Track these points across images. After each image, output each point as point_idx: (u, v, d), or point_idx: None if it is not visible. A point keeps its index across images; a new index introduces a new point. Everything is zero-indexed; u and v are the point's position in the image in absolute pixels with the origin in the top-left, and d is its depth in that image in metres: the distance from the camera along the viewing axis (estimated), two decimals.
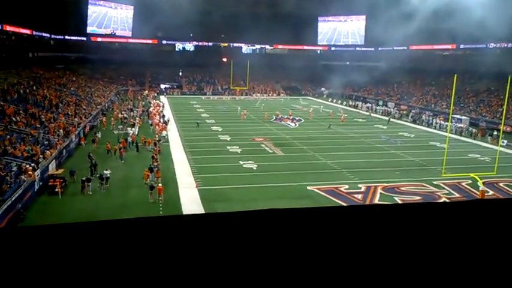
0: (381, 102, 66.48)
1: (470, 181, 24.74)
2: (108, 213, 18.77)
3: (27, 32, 57.78)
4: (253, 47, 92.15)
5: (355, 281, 1.35)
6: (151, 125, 40.61)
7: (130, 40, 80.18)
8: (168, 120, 44.10)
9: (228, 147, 33.23)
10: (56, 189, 21.34)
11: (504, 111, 37.81)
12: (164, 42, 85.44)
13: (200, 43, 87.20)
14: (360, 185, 24.02)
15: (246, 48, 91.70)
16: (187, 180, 24.38)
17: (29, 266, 1.35)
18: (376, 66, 72.73)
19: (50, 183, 22.07)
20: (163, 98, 67.00)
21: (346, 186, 23.78)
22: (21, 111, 31.80)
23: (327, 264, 1.42)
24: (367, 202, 21.79)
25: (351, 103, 67.62)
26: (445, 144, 27.98)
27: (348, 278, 1.36)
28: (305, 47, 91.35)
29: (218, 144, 34.45)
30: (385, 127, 46.36)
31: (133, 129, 38.00)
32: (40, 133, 28.63)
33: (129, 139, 32.70)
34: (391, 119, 51.45)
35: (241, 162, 28.58)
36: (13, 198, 18.20)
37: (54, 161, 25.26)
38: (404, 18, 58.48)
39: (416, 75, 70.85)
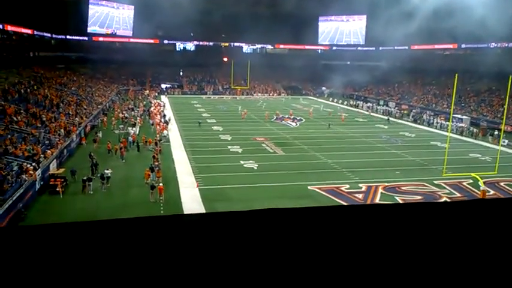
0: (381, 102, 66.43)
1: (471, 181, 24.73)
2: (109, 213, 18.79)
3: (28, 31, 57.83)
4: (254, 47, 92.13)
5: (356, 280, 1.35)
6: (152, 124, 40.62)
7: (131, 40, 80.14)
8: (169, 120, 44.12)
9: (229, 147, 33.24)
10: (57, 189, 21.36)
11: (505, 111, 37.74)
12: (166, 42, 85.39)
13: (201, 43, 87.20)
14: (360, 185, 24.01)
15: (246, 48, 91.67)
16: (188, 179, 24.39)
17: (30, 266, 1.35)
18: (376, 66, 72.68)
19: (51, 183, 22.10)
20: (164, 98, 67.02)
21: (347, 186, 23.78)
22: (22, 111, 31.83)
23: (328, 263, 1.42)
24: (368, 202, 21.80)
25: (351, 103, 67.61)
26: (446, 144, 27.96)
27: (349, 278, 1.36)
28: (306, 47, 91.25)
29: (219, 144, 34.46)
30: (386, 127, 46.34)
31: (134, 128, 38.02)
32: (41, 133, 28.66)
33: (130, 139, 32.72)
34: (390, 118, 51.46)
35: (242, 162, 28.59)
36: (14, 198, 18.22)
37: (55, 160, 25.28)
38: (406, 17, 58.43)
39: (417, 74, 70.80)
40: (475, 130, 42.63)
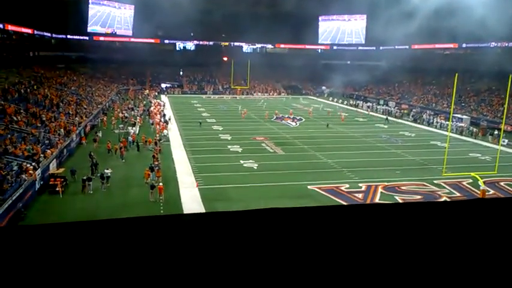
0: (381, 102, 66.43)
1: (471, 180, 24.73)
2: (108, 213, 18.79)
3: (29, 31, 57.80)
4: (254, 46, 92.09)
5: (356, 280, 1.35)
6: (152, 124, 40.61)
7: (132, 39, 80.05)
8: (170, 119, 44.12)
9: (229, 147, 33.24)
10: (57, 189, 21.36)
11: (505, 111, 37.74)
12: (167, 41, 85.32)
13: (201, 42, 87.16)
14: (360, 184, 24.02)
15: (246, 48, 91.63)
16: (188, 179, 24.39)
17: (29, 265, 1.35)
18: (377, 66, 72.67)
19: (50, 183, 22.11)
20: (164, 97, 67.00)
21: (347, 186, 23.79)
22: (22, 111, 31.83)
23: (328, 263, 1.42)
24: (368, 201, 21.81)
25: (351, 102, 67.61)
26: (445, 144, 27.96)
27: (349, 278, 1.36)
28: (307, 47, 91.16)
29: (219, 144, 34.46)
30: (385, 126, 46.35)
31: (134, 128, 38.01)
32: (41, 132, 28.66)
33: (130, 138, 32.72)
34: (389, 118, 51.53)
35: (241, 162, 28.59)
36: (14, 198, 18.23)
37: (55, 160, 25.29)
38: (406, 17, 58.41)
39: (417, 74, 70.80)
40: (475, 130, 42.63)
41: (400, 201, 21.22)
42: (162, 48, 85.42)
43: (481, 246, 1.54)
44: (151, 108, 49.46)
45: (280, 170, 26.63)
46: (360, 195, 22.42)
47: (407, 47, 72.38)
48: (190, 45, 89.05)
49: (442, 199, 22.09)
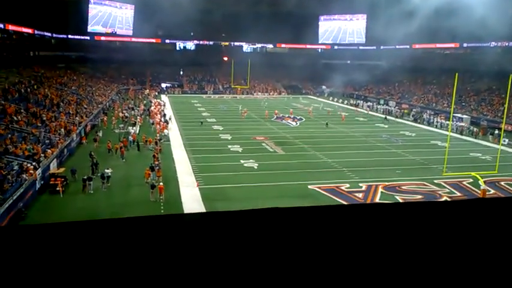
0: (382, 101, 66.42)
1: (471, 180, 24.73)
2: (109, 212, 18.81)
3: (29, 31, 57.79)
4: (254, 46, 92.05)
5: (357, 280, 1.35)
6: (153, 124, 40.62)
7: (133, 39, 79.99)
8: (170, 119, 44.13)
9: (229, 146, 33.25)
10: (57, 188, 21.37)
11: (505, 110, 37.73)
12: (168, 41, 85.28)
13: (201, 42, 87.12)
14: (361, 184, 24.02)
15: (246, 47, 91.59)
16: (188, 179, 24.39)
17: (30, 265, 1.35)
18: (377, 65, 72.66)
19: (51, 182, 22.12)
20: (164, 97, 66.98)
21: (347, 185, 23.79)
22: (22, 110, 31.84)
23: (328, 263, 1.42)
24: (368, 201, 21.81)
25: (352, 102, 67.60)
26: (446, 143, 27.95)
27: (350, 277, 1.36)
28: (308, 46, 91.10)
29: (219, 143, 34.47)
30: (386, 126, 46.35)
31: (134, 128, 38.02)
32: (41, 132, 28.67)
33: (130, 138, 32.72)
34: (389, 117, 51.55)
35: (242, 161, 28.59)
36: (14, 197, 18.24)
37: (55, 160, 25.29)
38: (407, 16, 58.39)
39: (418, 74, 70.76)
40: (475, 129, 42.62)
41: (401, 200, 21.22)
42: (162, 48, 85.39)
43: (481, 246, 1.54)
44: (152, 108, 49.46)
45: (280, 170, 26.63)
46: (360, 195, 22.42)
47: (408, 46, 72.28)
48: (191, 44, 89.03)
49: (443, 199, 22.09)
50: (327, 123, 44.25)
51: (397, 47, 73.41)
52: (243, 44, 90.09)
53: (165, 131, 37.20)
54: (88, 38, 76.14)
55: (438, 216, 1.81)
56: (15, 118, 29.14)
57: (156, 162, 25.87)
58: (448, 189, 23.63)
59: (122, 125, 38.81)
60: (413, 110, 56.90)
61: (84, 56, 76.08)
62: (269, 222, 1.68)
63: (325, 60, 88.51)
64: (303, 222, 1.70)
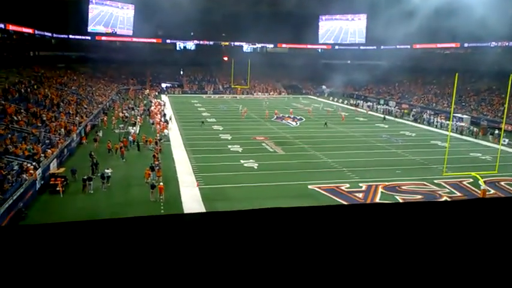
0: (382, 101, 66.43)
1: (471, 180, 24.73)
2: (109, 212, 18.82)
3: (29, 31, 57.80)
4: (254, 46, 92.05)
5: (357, 280, 1.35)
6: (153, 124, 40.62)
7: (134, 39, 79.94)
8: (171, 119, 44.14)
9: (229, 146, 33.25)
10: (58, 188, 21.37)
11: (505, 110, 37.73)
12: (168, 41, 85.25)
13: (201, 42, 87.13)
14: (361, 184, 24.02)
15: (247, 47, 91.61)
16: (188, 179, 24.39)
17: (30, 265, 1.35)
18: (377, 65, 72.64)
19: (51, 182, 22.12)
20: (164, 97, 66.98)
21: (347, 185, 23.78)
22: (22, 110, 31.84)
23: (328, 263, 1.42)
24: (368, 201, 21.81)
25: (352, 102, 67.61)
26: (446, 143, 27.96)
27: (350, 277, 1.36)
28: (309, 46, 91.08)
29: (219, 143, 34.47)
30: (386, 126, 46.36)
31: (134, 128, 38.02)
32: (41, 132, 28.67)
33: (130, 138, 32.73)
34: (389, 117, 51.55)
35: (242, 161, 28.59)
36: (15, 197, 18.24)
37: (55, 160, 25.29)
38: (407, 16, 58.38)
39: (418, 74, 70.77)
40: (475, 129, 42.62)
41: (401, 200, 21.23)
42: (162, 47, 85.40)
43: (481, 246, 1.54)
44: (152, 108, 49.46)
45: (280, 170, 26.63)
46: (361, 195, 22.42)
47: (408, 46, 72.27)
48: (191, 44, 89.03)
49: (443, 199, 22.09)
50: (325, 123, 44.28)
51: (397, 47, 73.38)
52: (243, 44, 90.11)
53: (165, 131, 37.19)
54: (89, 38, 76.18)
55: (438, 216, 1.81)
56: (15, 118, 29.14)
57: (156, 162, 25.87)
58: (448, 189, 23.63)
59: (122, 125, 38.82)
60: (414, 110, 56.89)
61: (85, 56, 76.11)
62: (269, 222, 1.68)
63: (325, 60, 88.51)
64: (303, 222, 1.70)
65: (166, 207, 19.92)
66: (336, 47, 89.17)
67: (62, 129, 30.85)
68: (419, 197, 22.34)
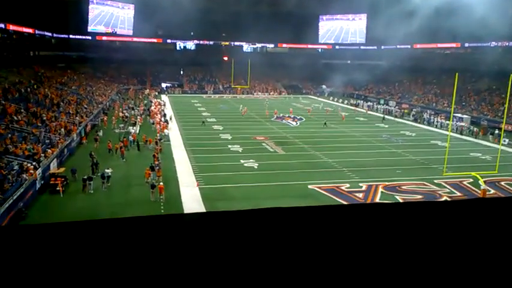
0: (382, 101, 66.43)
1: (471, 180, 24.72)
2: (109, 212, 18.82)
3: (30, 31, 57.79)
4: (254, 46, 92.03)
5: (357, 279, 1.35)
6: (153, 123, 40.63)
7: (135, 39, 79.88)
8: (171, 119, 44.14)
9: (229, 146, 33.24)
10: (58, 188, 21.37)
11: (506, 110, 37.72)
12: (168, 41, 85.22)
13: (201, 42, 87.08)
14: (361, 184, 24.01)
15: (247, 47, 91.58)
16: (189, 179, 24.39)
17: (30, 265, 1.35)
18: (377, 65, 72.62)
19: (51, 182, 22.12)
20: (164, 97, 66.97)
21: (348, 185, 23.78)
22: (22, 110, 31.83)
23: (329, 263, 1.42)
24: (368, 201, 21.81)
25: (352, 102, 67.62)
26: (446, 143, 27.95)
27: (350, 277, 1.36)
28: (309, 46, 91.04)
29: (219, 143, 34.46)
30: (386, 126, 46.36)
31: (134, 128, 38.02)
32: (41, 132, 28.67)
33: (131, 138, 32.74)
34: (388, 117, 51.55)
35: (242, 161, 28.59)
36: (15, 197, 18.24)
37: (55, 159, 25.29)
38: (408, 16, 58.36)
39: (418, 73, 70.75)
40: (475, 129, 42.62)
41: (401, 200, 21.23)
42: (162, 47, 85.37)
43: (481, 245, 1.54)
44: (152, 108, 49.45)
45: (280, 170, 26.63)
46: (361, 195, 22.41)
47: (409, 46, 72.21)
48: (191, 44, 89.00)
49: (443, 199, 22.08)
50: (325, 123, 44.29)
51: (398, 46, 73.33)
52: (243, 43, 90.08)
53: (165, 130, 37.19)
54: (90, 38, 76.16)
55: (438, 216, 1.81)
56: (15, 118, 29.15)
57: (156, 162, 25.87)
58: (448, 189, 23.62)
59: (122, 125, 38.83)
60: (414, 109, 56.89)
61: (85, 55, 76.07)
62: (269, 222, 1.68)
63: (326, 60, 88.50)
64: (303, 222, 1.70)
65: (167, 207, 19.92)
66: (337, 47, 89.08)
67: (62, 129, 30.85)
68: (420, 197, 22.33)
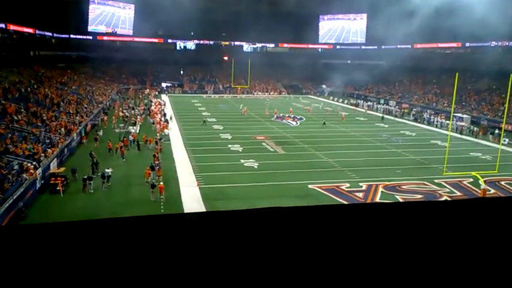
0: (382, 101, 66.42)
1: (471, 179, 24.72)
2: (109, 212, 18.82)
3: (30, 31, 57.77)
4: (255, 46, 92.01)
5: (357, 279, 1.35)
6: (153, 123, 40.63)
7: (136, 39, 79.85)
8: (171, 118, 44.14)
9: (229, 146, 33.24)
10: (58, 188, 21.37)
11: (506, 110, 37.70)
12: (169, 41, 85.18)
13: (201, 41, 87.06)
14: (361, 184, 24.01)
15: (247, 47, 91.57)
16: (189, 178, 24.39)
17: (30, 264, 1.35)
18: (377, 65, 72.58)
19: (51, 182, 22.12)
20: (164, 97, 66.96)
21: (348, 185, 23.78)
22: (22, 110, 31.83)
23: (329, 262, 1.42)
24: (369, 200, 21.81)
25: (352, 101, 67.62)
26: (446, 143, 27.95)
27: (350, 277, 1.36)
28: (310, 46, 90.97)
29: (219, 143, 34.47)
30: (386, 125, 46.37)
31: (134, 127, 38.02)
32: (41, 132, 28.67)
33: (131, 137, 32.74)
34: (388, 117, 51.55)
35: (242, 161, 28.59)
36: (15, 197, 18.24)
37: (55, 159, 25.29)
38: (408, 16, 58.34)
39: (418, 73, 70.73)
40: (475, 129, 42.62)
41: (401, 200, 21.23)
42: (162, 47, 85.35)
43: (481, 245, 1.54)
44: (152, 108, 49.46)
45: (280, 169, 26.62)
46: (361, 195, 22.41)
47: (409, 46, 72.15)
48: (191, 44, 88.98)
49: (443, 198, 22.09)
50: (324, 123, 44.31)
51: (398, 46, 73.25)
52: (243, 43, 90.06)
53: (166, 130, 37.20)
54: (90, 38, 76.16)
55: (438, 215, 1.81)
56: (15, 118, 29.15)
57: (157, 162, 25.87)
58: (449, 188, 23.62)
59: (122, 125, 38.83)
60: (414, 109, 56.88)
61: (85, 55, 76.04)
62: (269, 222, 1.68)
63: (326, 60, 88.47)
64: (303, 221, 1.70)
65: (167, 207, 19.92)
66: (338, 46, 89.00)
67: (62, 129, 30.85)
68: (420, 196, 22.33)
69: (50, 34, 67.53)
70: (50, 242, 1.48)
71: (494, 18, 46.98)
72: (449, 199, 21.17)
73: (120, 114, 44.73)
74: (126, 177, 24.35)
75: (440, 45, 70.27)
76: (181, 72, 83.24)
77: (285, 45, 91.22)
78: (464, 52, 68.42)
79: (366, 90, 75.63)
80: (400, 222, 1.72)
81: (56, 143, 27.56)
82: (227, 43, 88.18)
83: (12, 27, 51.12)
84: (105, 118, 42.69)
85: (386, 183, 24.10)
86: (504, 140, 33.58)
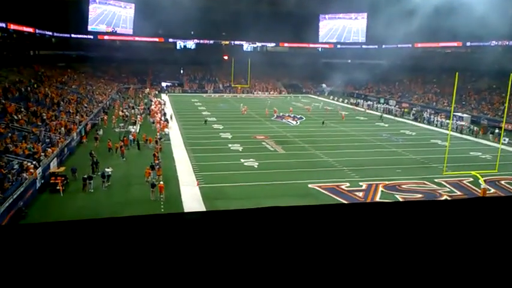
0: (382, 100, 66.40)
1: (471, 179, 24.72)
2: (109, 211, 18.82)
3: (30, 30, 57.74)
4: (255, 45, 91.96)
5: (357, 279, 1.35)
6: (153, 123, 40.63)
7: (136, 38, 79.79)
8: (171, 118, 44.14)
9: (229, 145, 33.24)
10: (58, 187, 21.37)
11: (506, 109, 37.70)
12: (169, 40, 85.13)
13: (201, 41, 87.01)
14: (361, 183, 24.01)
15: (247, 46, 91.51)
16: (189, 178, 24.39)
17: (30, 264, 1.35)
18: (377, 64, 72.53)
19: (51, 181, 22.12)
20: (164, 96, 66.94)
21: (348, 184, 23.78)
22: (22, 109, 31.83)
23: (329, 262, 1.42)
24: (369, 200, 21.79)
25: (352, 101, 67.62)
26: (446, 142, 27.95)
27: (350, 276, 1.36)
28: (311, 45, 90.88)
29: (219, 142, 34.46)
30: (386, 125, 46.36)
31: (134, 127, 38.02)
32: (41, 131, 28.67)
33: (131, 137, 32.74)
34: (388, 116, 51.56)
35: (242, 160, 28.59)
36: (15, 196, 18.25)
37: (55, 159, 25.30)
38: (409, 15, 58.31)
39: (418, 73, 70.68)
40: (475, 128, 42.61)
41: (401, 199, 21.22)
42: (162, 46, 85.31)
43: (481, 245, 1.54)
44: (152, 107, 49.45)
45: (280, 169, 26.63)
46: (361, 194, 22.41)
47: (410, 45, 72.08)
48: (191, 43, 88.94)
49: (443, 198, 22.08)
50: (323, 122, 44.31)
51: (398, 46, 73.16)
52: (244, 43, 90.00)
53: (166, 130, 37.20)
54: (91, 37, 76.12)
55: (438, 215, 1.81)
56: (15, 117, 29.15)
57: (157, 161, 25.87)
58: (449, 188, 23.62)
59: (122, 124, 38.82)
60: (414, 109, 56.87)
61: (85, 54, 75.96)
62: (269, 221, 1.68)
63: (326, 60, 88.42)
64: (303, 221, 1.70)
65: (167, 206, 19.93)
66: (338, 46, 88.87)
67: (62, 128, 30.85)
68: (420, 196, 22.33)
69: (50, 33, 67.46)
70: (50, 242, 1.48)
71: (495, 17, 46.96)
72: (449, 198, 21.18)
73: (120, 113, 44.72)
74: (126, 176, 24.36)
75: (440, 44, 70.20)
76: (182, 71, 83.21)
77: (285, 44, 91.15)
78: (464, 51, 68.36)
79: (366, 90, 75.60)
80: (400, 222, 1.72)
81: (56, 142, 27.56)
82: (227, 42, 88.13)
83: (12, 26, 51.09)
84: (105, 117, 42.69)
85: (386, 182, 24.10)
86: (504, 140, 33.58)
